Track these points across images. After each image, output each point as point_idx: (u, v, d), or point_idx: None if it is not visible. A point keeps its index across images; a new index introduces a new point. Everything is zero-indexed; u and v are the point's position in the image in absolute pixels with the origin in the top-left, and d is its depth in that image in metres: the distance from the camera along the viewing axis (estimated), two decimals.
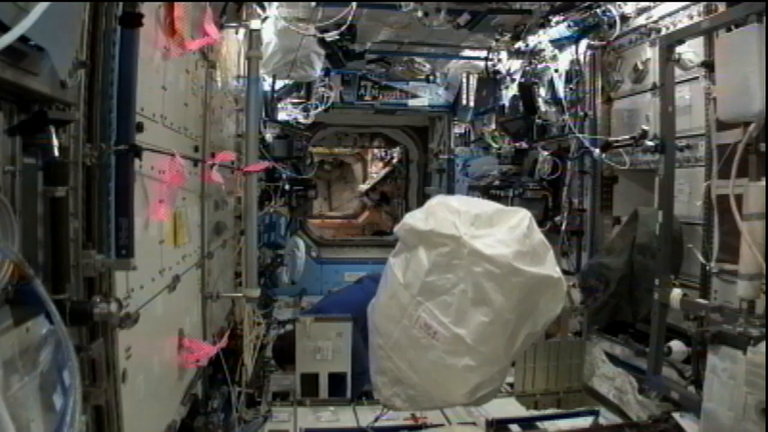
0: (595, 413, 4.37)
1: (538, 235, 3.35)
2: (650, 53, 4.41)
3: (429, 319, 3.15)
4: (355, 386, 4.69)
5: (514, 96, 6.28)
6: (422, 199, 9.90)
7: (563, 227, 5.39)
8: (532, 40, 5.72)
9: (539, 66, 5.78)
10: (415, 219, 3.33)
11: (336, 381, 4.75)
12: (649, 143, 4.04)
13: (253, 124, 4.21)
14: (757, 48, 2.85)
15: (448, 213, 3.23)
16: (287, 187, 6.63)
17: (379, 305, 3.50)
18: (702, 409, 3.08)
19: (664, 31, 4.16)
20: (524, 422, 4.34)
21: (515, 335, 3.19)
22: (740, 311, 3.00)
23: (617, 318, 4.46)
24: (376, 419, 4.12)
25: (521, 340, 3.24)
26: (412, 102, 8.38)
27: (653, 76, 4.36)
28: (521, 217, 3.29)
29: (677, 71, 3.81)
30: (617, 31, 4.75)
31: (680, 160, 3.94)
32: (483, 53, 6.71)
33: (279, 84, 6.98)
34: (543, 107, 5.73)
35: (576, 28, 5.23)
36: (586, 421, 4.28)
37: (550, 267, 3.27)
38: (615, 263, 4.31)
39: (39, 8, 1.27)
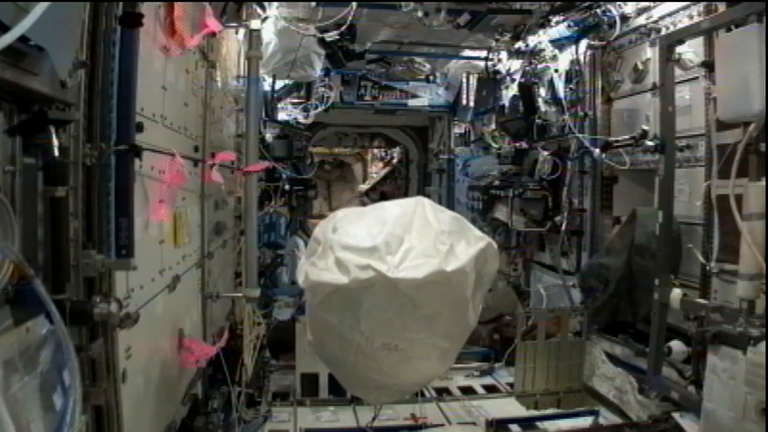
0: (595, 413, 4.37)
1: (443, 214, 3.21)
2: (650, 53, 4.41)
3: (385, 339, 3.02)
4: None
5: (514, 96, 6.27)
6: None
7: (563, 227, 5.39)
8: (532, 40, 5.72)
9: (539, 66, 5.77)
10: (322, 271, 2.96)
11: (336, 381, 4.75)
12: (649, 143, 4.04)
13: (253, 124, 4.21)
14: (757, 48, 2.85)
15: (359, 257, 2.90)
16: (287, 187, 6.62)
17: (320, 342, 3.29)
18: (702, 409, 3.08)
19: (664, 31, 4.15)
20: (524, 422, 4.35)
21: (475, 306, 3.17)
22: (740, 311, 3.00)
23: (617, 318, 4.46)
24: (374, 419, 4.15)
25: (479, 305, 3.22)
26: (412, 102, 8.37)
27: (653, 76, 4.36)
28: (420, 210, 3.10)
29: (677, 71, 3.81)
30: (617, 31, 4.74)
31: (680, 160, 3.94)
32: (483, 53, 6.70)
33: (279, 84, 6.98)
34: (543, 107, 5.73)
35: (576, 28, 5.23)
36: (586, 421, 4.28)
37: (475, 238, 3.16)
38: (614, 263, 4.30)
39: (39, 8, 1.27)
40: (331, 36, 4.83)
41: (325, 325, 3.14)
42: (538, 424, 4.35)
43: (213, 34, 3.94)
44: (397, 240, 2.96)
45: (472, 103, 7.58)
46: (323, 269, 2.95)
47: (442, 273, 2.87)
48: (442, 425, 4.35)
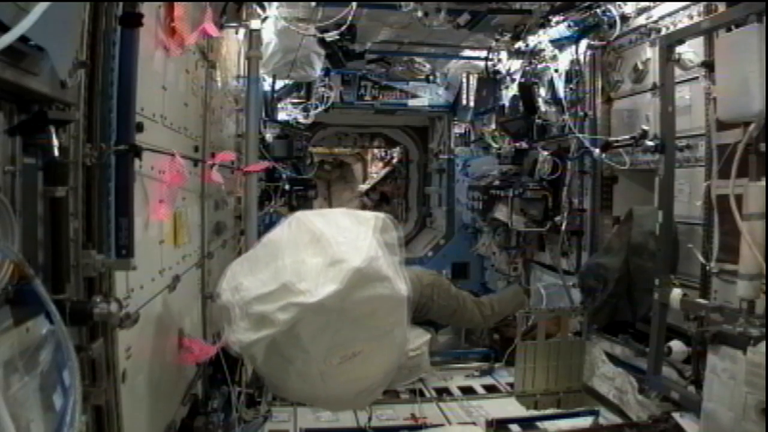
0: (595, 413, 4.37)
1: (325, 217, 3.16)
2: (650, 53, 4.41)
3: (341, 353, 2.97)
4: None
5: (514, 96, 6.27)
6: (422, 199, 9.89)
7: (563, 227, 5.39)
8: (532, 40, 5.72)
9: (539, 66, 5.78)
10: (248, 332, 2.83)
11: None
12: (649, 143, 4.03)
13: (253, 124, 4.22)
14: (757, 48, 2.85)
15: (275, 302, 2.79)
16: (287, 187, 6.62)
17: (282, 384, 3.24)
18: (702, 409, 3.08)
19: (664, 31, 4.15)
20: (524, 422, 4.35)
21: (399, 277, 3.09)
22: (740, 311, 3.00)
23: (617, 318, 4.46)
24: (370, 419, 4.16)
25: (400, 272, 3.14)
26: (412, 102, 8.37)
27: (653, 76, 4.36)
28: (302, 226, 3.03)
29: (677, 71, 3.81)
30: (617, 31, 4.74)
31: (680, 160, 3.94)
32: (483, 53, 6.70)
33: (279, 84, 6.98)
34: (543, 107, 5.73)
35: (576, 28, 5.23)
36: (586, 421, 4.28)
37: (365, 220, 3.11)
38: (612, 263, 4.30)
39: (39, 8, 1.27)
40: (331, 36, 4.83)
41: (278, 371, 3.08)
42: (538, 424, 4.35)
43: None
44: (299, 265, 2.87)
45: (472, 103, 7.57)
46: (249, 329, 2.84)
47: (356, 271, 2.81)
48: (442, 425, 4.35)
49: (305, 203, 7.56)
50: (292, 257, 2.89)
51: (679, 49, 3.72)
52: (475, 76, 7.50)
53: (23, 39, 1.31)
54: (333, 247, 2.89)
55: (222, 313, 2.95)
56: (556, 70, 5.52)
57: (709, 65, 3.62)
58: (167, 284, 3.01)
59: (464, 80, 7.59)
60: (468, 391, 5.21)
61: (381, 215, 3.22)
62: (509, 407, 4.75)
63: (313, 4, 4.90)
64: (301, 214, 3.15)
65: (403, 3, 4.93)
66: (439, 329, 6.29)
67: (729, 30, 3.21)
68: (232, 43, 5.11)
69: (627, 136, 4.41)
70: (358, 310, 2.90)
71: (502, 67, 6.61)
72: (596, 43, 5.02)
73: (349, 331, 2.95)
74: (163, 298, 2.94)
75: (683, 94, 3.92)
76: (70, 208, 1.81)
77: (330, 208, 3.39)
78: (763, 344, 2.73)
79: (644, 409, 3.93)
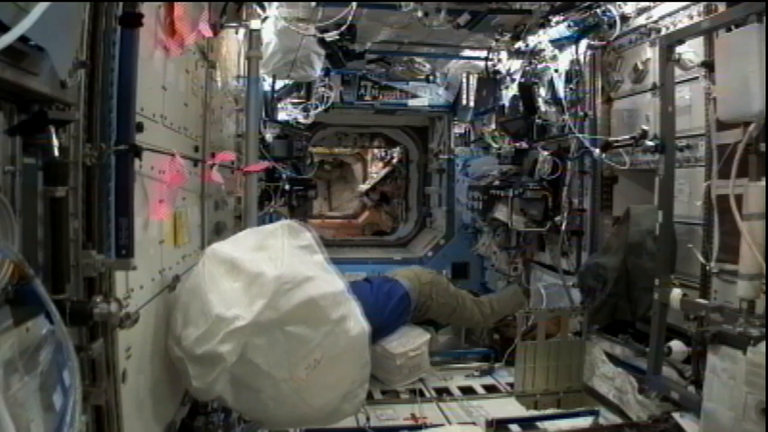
0: (595, 413, 4.37)
1: (236, 243, 3.15)
2: (650, 53, 4.41)
3: (303, 364, 2.95)
4: None
5: (514, 96, 6.27)
6: (422, 199, 9.90)
7: (563, 227, 5.39)
8: (532, 40, 5.71)
9: (539, 66, 5.77)
10: (206, 380, 2.81)
11: None
12: (649, 143, 4.03)
13: (253, 124, 4.22)
14: (757, 48, 2.85)
15: (215, 336, 2.74)
16: (287, 187, 6.62)
17: (265, 413, 3.18)
18: (702, 409, 3.08)
19: (664, 31, 4.15)
20: (524, 422, 4.36)
21: (325, 271, 3.14)
22: (740, 311, 3.00)
23: (616, 317, 4.46)
24: (368, 419, 4.16)
25: (325, 266, 3.18)
26: (412, 102, 8.36)
27: (653, 76, 4.36)
28: (215, 258, 2.99)
29: (677, 71, 3.81)
30: (617, 31, 4.74)
31: (680, 160, 3.94)
32: (483, 53, 6.70)
33: (279, 84, 6.97)
34: (543, 107, 5.73)
35: (576, 28, 5.23)
36: (586, 421, 4.28)
37: (273, 231, 3.15)
38: (611, 263, 4.30)
39: (39, 8, 1.27)
40: (331, 36, 4.83)
41: (254, 404, 3.03)
42: (538, 424, 4.35)
43: (214, 34, 3.94)
44: (222, 295, 2.85)
45: (472, 103, 7.57)
46: (201, 374, 2.80)
47: (276, 279, 2.80)
48: (442, 425, 4.35)
49: (305, 203, 7.57)
50: (214, 291, 2.85)
51: (679, 49, 3.72)
52: (475, 76, 7.50)
53: (23, 39, 1.31)
54: (248, 267, 2.89)
55: (179, 368, 2.92)
56: (556, 70, 5.52)
57: (709, 65, 3.62)
58: (167, 284, 3.01)
59: (464, 80, 7.58)
60: (468, 391, 5.22)
61: (287, 222, 3.23)
62: (509, 407, 4.75)
63: (313, 4, 4.89)
64: (210, 249, 3.11)
65: (403, 3, 4.93)
66: (439, 329, 6.32)
67: (729, 30, 3.21)
68: (232, 43, 5.10)
69: (627, 136, 4.41)
70: (297, 316, 2.88)
71: (502, 67, 6.61)
72: (596, 43, 5.02)
73: (300, 340, 2.93)
74: (163, 298, 2.94)
75: (683, 94, 3.92)
76: (70, 208, 1.81)
77: (241, 231, 3.42)
78: (763, 344, 2.73)
79: (644, 409, 3.93)
